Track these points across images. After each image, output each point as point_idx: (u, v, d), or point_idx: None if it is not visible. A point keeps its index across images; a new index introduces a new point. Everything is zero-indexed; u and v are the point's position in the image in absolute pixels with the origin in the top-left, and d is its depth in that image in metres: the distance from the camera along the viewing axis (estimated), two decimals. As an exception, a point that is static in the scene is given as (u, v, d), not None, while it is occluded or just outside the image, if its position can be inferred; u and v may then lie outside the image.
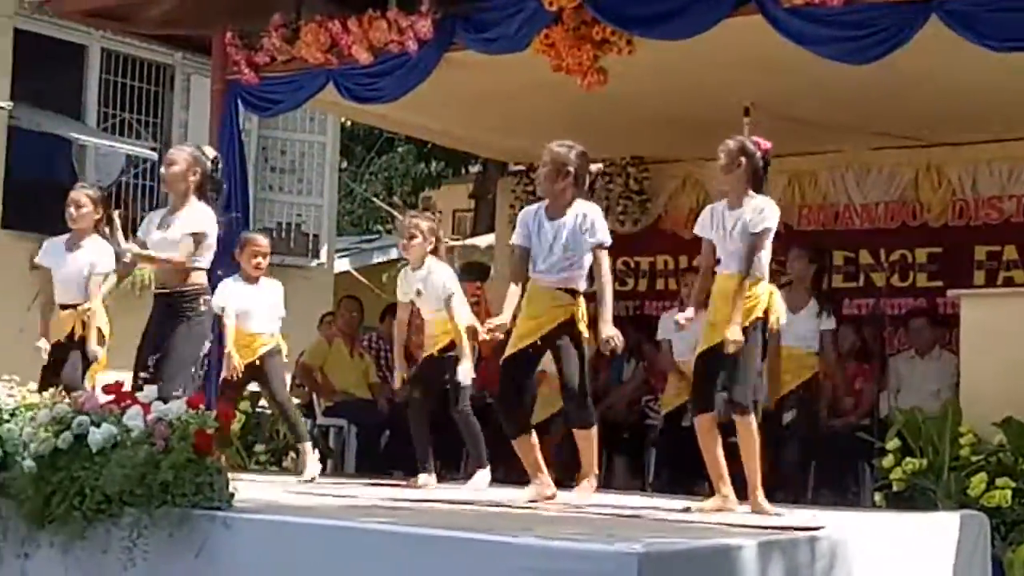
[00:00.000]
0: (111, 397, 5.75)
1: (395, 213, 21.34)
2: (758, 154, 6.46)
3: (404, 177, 21.67)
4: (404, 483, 7.94)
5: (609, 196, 10.72)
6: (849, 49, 7.29)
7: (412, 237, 7.83)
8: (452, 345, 7.80)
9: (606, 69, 8.01)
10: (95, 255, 7.74)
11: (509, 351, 6.79)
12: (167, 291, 6.97)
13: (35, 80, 11.73)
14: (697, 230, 6.70)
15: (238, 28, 9.29)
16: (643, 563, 4.38)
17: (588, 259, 6.74)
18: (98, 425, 5.62)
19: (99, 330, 7.69)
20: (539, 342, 6.75)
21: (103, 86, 12.35)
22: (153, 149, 12.49)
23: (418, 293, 7.88)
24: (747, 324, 6.33)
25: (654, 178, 11.03)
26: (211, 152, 7.25)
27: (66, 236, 7.83)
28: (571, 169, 6.70)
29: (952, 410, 7.18)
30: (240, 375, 7.95)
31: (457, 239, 19.80)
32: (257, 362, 8.03)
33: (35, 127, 11.56)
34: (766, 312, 6.42)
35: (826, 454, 8.53)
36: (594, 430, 6.87)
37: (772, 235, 6.46)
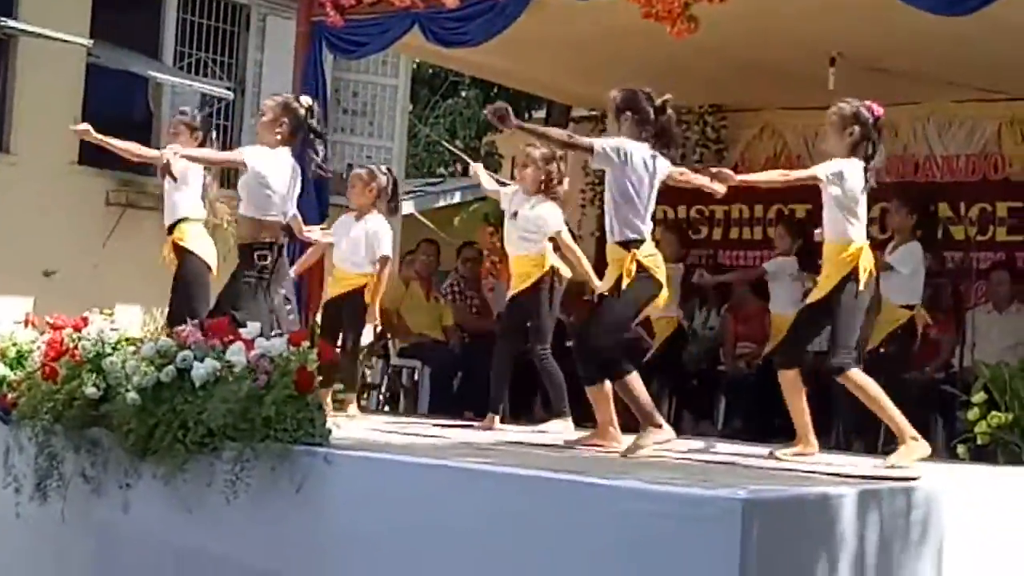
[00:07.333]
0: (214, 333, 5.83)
1: (463, 156, 21.27)
2: (871, 122, 6.33)
3: (468, 121, 21.61)
4: (477, 424, 7.94)
5: (685, 144, 10.64)
6: (946, 0, 7.24)
7: (525, 166, 7.85)
8: (538, 284, 7.75)
9: (697, 17, 7.97)
10: None
11: None
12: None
13: (113, 19, 11.75)
14: None
15: (324, -31, 9.30)
16: (747, 509, 4.38)
17: None
18: (201, 360, 5.71)
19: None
20: None
21: (180, 25, 12.39)
22: (228, 89, 12.54)
23: (514, 215, 7.83)
24: (838, 281, 6.36)
25: (731, 126, 10.99)
26: (306, 100, 7.29)
27: None
28: None
29: (1037, 365, 7.18)
30: None
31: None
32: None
33: (113, 65, 11.59)
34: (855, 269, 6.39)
35: (898, 405, 8.51)
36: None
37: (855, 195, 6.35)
